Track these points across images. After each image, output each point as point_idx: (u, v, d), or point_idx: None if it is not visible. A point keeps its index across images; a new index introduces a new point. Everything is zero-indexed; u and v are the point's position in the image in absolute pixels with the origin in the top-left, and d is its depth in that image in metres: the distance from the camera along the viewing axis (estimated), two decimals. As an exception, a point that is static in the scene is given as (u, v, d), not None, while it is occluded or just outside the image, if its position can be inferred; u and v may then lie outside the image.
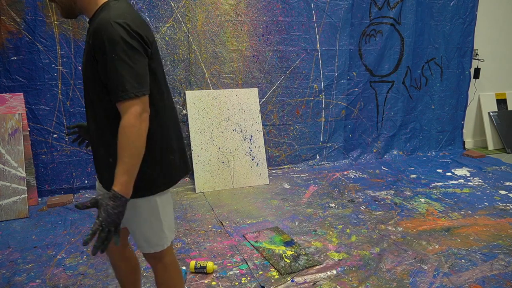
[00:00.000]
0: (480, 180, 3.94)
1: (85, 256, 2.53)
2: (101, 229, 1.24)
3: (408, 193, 3.60)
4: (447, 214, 3.17)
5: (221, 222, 3.00)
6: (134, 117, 1.27)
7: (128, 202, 1.32)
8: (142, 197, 1.45)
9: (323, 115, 4.30)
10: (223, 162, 3.74)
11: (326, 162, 4.39)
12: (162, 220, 1.52)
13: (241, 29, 3.82)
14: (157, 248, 1.56)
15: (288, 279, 2.28)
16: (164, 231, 1.54)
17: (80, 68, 3.41)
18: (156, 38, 3.54)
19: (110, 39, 1.26)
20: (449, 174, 4.15)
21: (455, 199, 3.47)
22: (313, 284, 2.24)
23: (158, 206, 1.50)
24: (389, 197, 3.52)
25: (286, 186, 3.78)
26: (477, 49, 4.89)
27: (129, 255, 1.81)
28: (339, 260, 2.49)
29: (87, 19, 1.44)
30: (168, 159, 1.50)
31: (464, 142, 5.07)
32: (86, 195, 3.54)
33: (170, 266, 1.64)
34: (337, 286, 2.22)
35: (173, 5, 3.56)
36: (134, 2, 3.43)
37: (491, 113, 5.19)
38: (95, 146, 1.49)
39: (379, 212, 3.20)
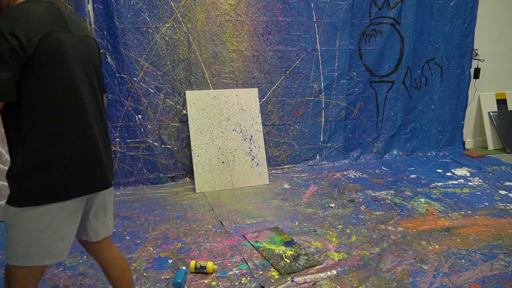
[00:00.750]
0: (480, 180, 3.94)
1: (85, 256, 2.53)
2: None
3: (408, 193, 3.60)
4: (447, 214, 3.17)
5: (221, 222, 3.00)
6: None
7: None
8: (7, 203, 1.38)
9: (323, 115, 4.31)
10: (223, 162, 3.74)
11: (326, 162, 4.39)
12: (20, 235, 1.39)
13: (241, 29, 3.82)
14: (9, 260, 1.42)
15: (288, 279, 2.28)
16: (17, 247, 1.40)
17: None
18: (156, 38, 3.54)
19: None
20: (449, 174, 4.15)
21: (455, 199, 3.47)
22: (313, 284, 2.24)
23: (18, 219, 1.37)
24: (389, 197, 3.52)
25: (286, 186, 3.78)
26: (477, 49, 4.89)
27: (114, 257, 1.75)
28: (339, 260, 2.49)
29: None
30: (44, 175, 1.37)
31: (464, 142, 5.07)
32: (86, 195, 3.54)
33: None
34: (337, 286, 2.22)
35: (173, 5, 3.56)
36: (134, 2, 3.43)
37: (491, 113, 5.20)
38: None
39: (379, 212, 3.20)
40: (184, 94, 3.73)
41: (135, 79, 3.57)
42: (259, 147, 3.88)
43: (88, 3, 3.33)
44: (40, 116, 1.36)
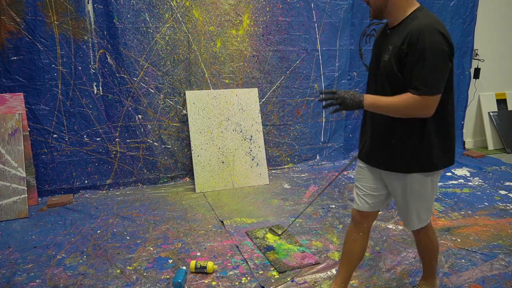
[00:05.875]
0: (480, 180, 3.94)
1: (85, 256, 2.53)
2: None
3: (408, 193, 3.60)
4: (447, 214, 3.17)
5: (221, 222, 3.00)
6: None
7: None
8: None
9: (323, 116, 4.30)
10: (223, 162, 3.74)
11: (326, 162, 4.39)
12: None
13: (241, 29, 3.82)
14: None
15: (288, 279, 2.28)
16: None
17: (80, 68, 3.41)
18: (156, 38, 3.55)
19: None
20: (449, 174, 4.14)
21: (455, 199, 3.46)
22: (313, 284, 2.24)
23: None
24: (389, 197, 3.52)
25: (286, 186, 3.78)
26: (477, 49, 4.89)
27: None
28: (339, 260, 2.48)
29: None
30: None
31: (464, 142, 5.07)
32: (86, 195, 3.54)
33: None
34: (337, 286, 2.22)
35: (173, 5, 3.56)
36: (134, 2, 3.43)
37: (491, 113, 5.19)
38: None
39: (379, 212, 3.19)
40: (184, 94, 3.73)
41: (135, 79, 3.57)
42: (259, 147, 3.88)
43: (88, 3, 3.33)
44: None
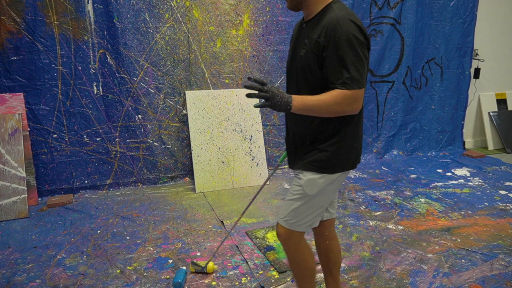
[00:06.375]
0: (480, 180, 3.94)
1: (85, 256, 2.53)
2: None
3: (408, 193, 3.60)
4: (447, 214, 3.17)
5: (221, 222, 3.00)
6: None
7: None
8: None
9: (323, 115, 4.30)
10: (223, 162, 3.74)
11: (326, 162, 4.38)
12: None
13: (241, 29, 3.82)
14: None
15: (288, 279, 2.28)
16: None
17: (80, 68, 3.41)
18: (156, 38, 3.55)
19: None
20: (449, 174, 4.15)
21: (455, 199, 3.46)
22: (313, 284, 2.24)
23: None
24: (389, 197, 3.52)
25: (286, 186, 3.78)
26: (477, 49, 4.89)
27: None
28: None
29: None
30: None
31: (464, 142, 5.07)
32: (86, 195, 3.54)
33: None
34: (337, 286, 2.22)
35: (173, 5, 3.56)
36: (134, 2, 3.43)
37: (491, 113, 5.19)
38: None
39: (379, 212, 3.20)
40: (184, 94, 3.73)
41: (135, 79, 3.57)
42: (259, 147, 3.88)
43: (88, 3, 3.33)
44: None
